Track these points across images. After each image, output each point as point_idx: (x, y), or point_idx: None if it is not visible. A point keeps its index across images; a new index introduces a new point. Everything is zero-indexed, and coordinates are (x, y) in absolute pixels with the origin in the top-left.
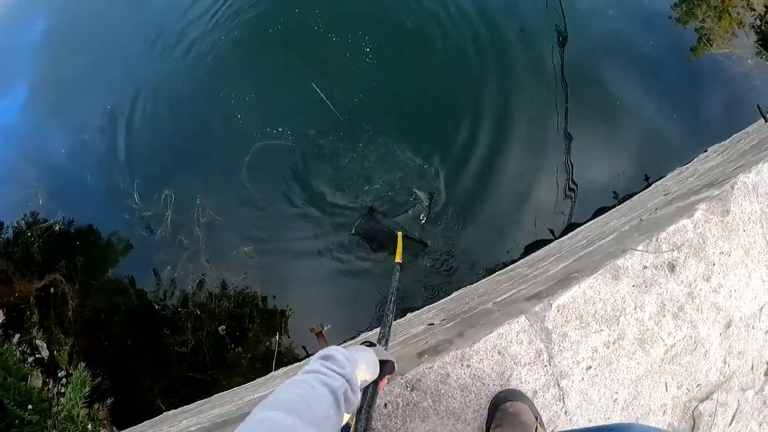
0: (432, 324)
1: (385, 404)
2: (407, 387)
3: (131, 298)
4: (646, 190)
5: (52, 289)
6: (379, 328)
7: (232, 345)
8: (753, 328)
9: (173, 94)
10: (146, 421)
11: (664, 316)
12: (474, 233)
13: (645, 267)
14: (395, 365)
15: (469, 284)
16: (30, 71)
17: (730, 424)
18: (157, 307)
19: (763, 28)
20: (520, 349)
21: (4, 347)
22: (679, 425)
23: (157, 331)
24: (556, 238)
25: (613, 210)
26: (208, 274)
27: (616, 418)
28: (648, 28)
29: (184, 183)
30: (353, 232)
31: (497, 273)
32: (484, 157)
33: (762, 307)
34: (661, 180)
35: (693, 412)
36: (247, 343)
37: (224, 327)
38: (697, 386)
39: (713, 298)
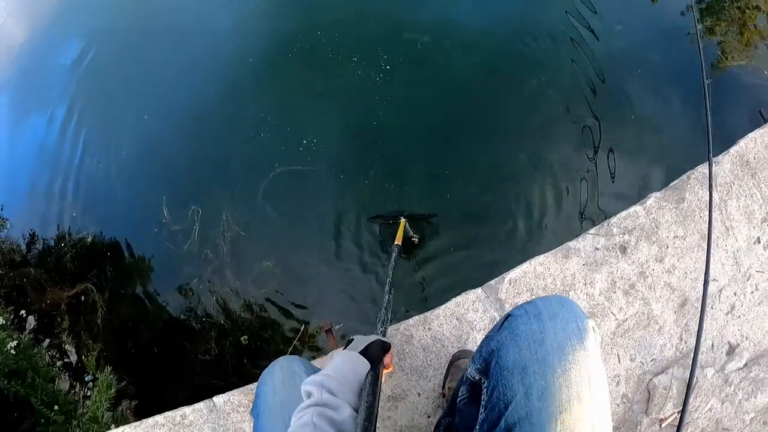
0: None
1: None
2: None
3: (158, 308)
4: None
5: (82, 297)
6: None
7: (253, 354)
8: (712, 308)
9: (200, 113)
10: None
11: (615, 292)
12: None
13: (596, 249)
14: (383, 343)
15: None
16: (68, 91)
17: None
18: (182, 317)
19: None
20: (476, 316)
21: (35, 350)
22: (634, 396)
23: (182, 340)
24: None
25: None
26: (232, 286)
27: None
28: (668, 43)
29: (210, 199)
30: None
31: None
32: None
33: (721, 289)
34: None
35: (647, 385)
36: (267, 353)
37: (246, 337)
38: (652, 360)
39: (667, 278)
